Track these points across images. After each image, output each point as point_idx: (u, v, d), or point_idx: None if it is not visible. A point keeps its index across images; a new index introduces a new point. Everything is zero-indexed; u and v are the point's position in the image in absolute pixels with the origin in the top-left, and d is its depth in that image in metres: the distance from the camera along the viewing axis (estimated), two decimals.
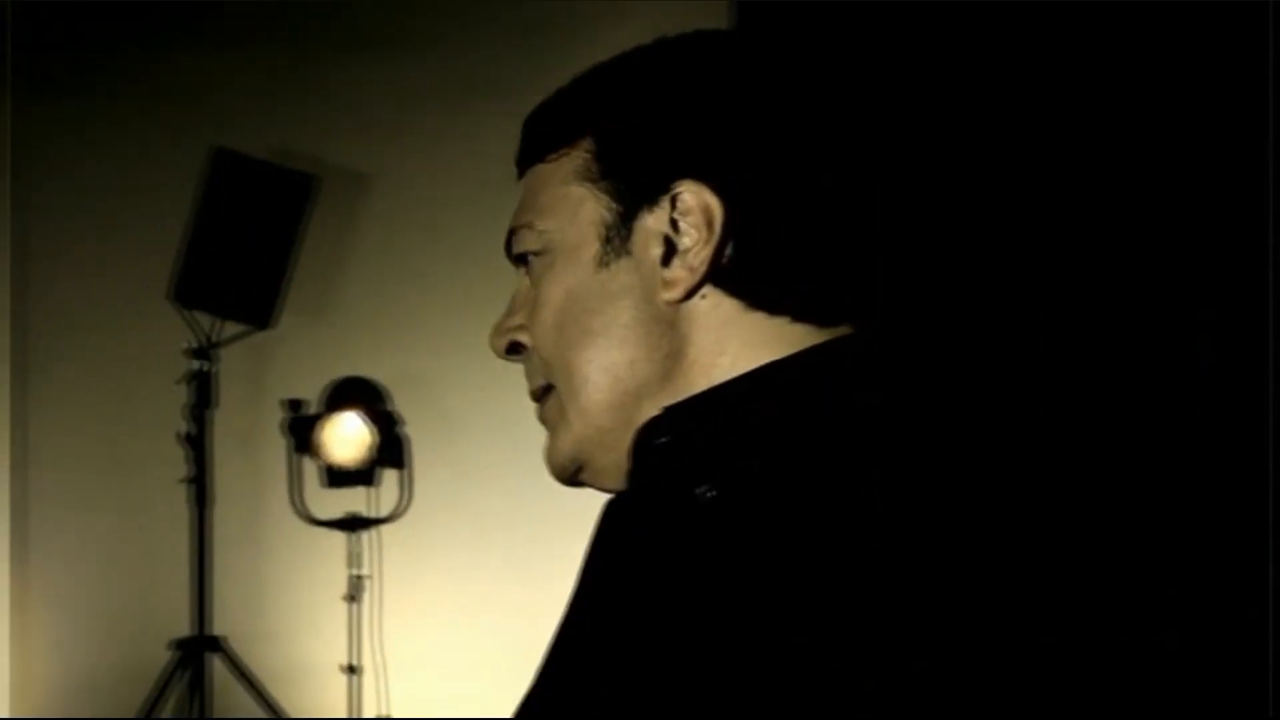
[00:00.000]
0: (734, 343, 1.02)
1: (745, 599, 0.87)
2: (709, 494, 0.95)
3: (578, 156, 1.05)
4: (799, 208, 1.00)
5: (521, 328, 1.09)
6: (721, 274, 1.01)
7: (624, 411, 1.04)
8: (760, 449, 0.96)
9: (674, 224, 1.01)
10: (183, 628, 4.23)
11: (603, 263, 1.03)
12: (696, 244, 1.00)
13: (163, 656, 4.16)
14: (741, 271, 1.01)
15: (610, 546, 1.02)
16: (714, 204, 1.00)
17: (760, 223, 1.00)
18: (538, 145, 1.09)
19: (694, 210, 1.00)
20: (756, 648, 0.86)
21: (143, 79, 4.65)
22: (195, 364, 4.27)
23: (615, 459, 1.05)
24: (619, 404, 1.04)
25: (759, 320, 1.02)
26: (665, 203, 1.01)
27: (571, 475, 1.09)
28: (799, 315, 1.02)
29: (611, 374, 1.03)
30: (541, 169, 1.08)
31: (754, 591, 0.87)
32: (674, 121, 1.02)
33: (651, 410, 1.02)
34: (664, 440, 1.02)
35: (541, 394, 1.09)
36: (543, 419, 1.10)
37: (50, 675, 4.61)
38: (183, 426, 4.27)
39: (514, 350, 1.11)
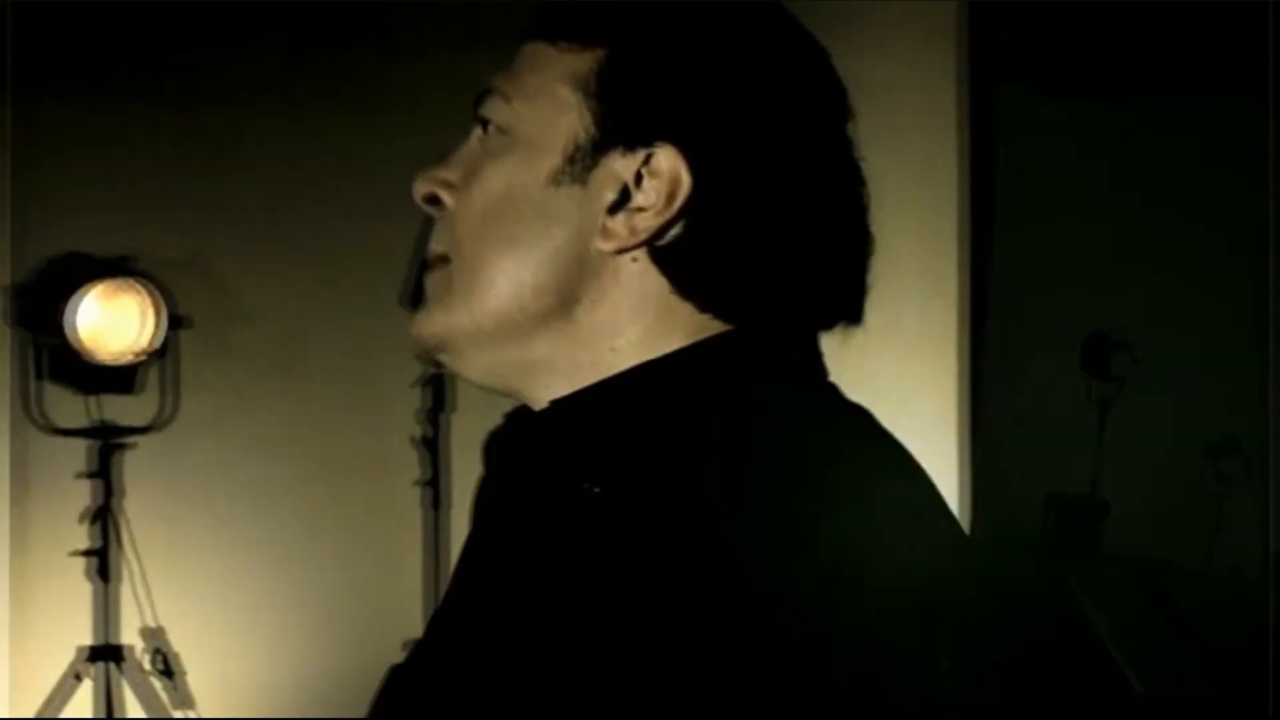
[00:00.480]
0: (647, 319, 0.99)
1: (641, 592, 0.87)
2: (594, 490, 0.94)
3: (585, 60, 1.00)
4: (763, 223, 0.97)
5: (450, 186, 1.05)
6: (660, 249, 0.98)
7: (511, 327, 1.01)
8: (646, 444, 0.95)
9: (638, 178, 0.98)
10: (417, 629, 4.26)
11: (555, 180, 1.00)
12: (649, 208, 0.97)
13: (398, 658, 4.20)
14: (680, 255, 0.98)
15: (498, 536, 1.03)
16: (684, 179, 0.97)
17: (720, 220, 0.97)
18: (555, 25, 1.03)
19: (663, 175, 0.97)
20: (659, 641, 0.85)
21: (380, 84, 4.70)
22: (431, 368, 4.30)
23: (482, 359, 1.04)
24: (509, 319, 1.00)
25: (680, 307, 0.99)
26: (640, 154, 0.98)
27: (430, 354, 1.06)
28: (723, 315, 0.99)
29: (516, 290, 1.00)
30: (546, 50, 1.03)
31: (649, 584, 0.87)
32: (689, 81, 0.98)
33: (540, 339, 1.00)
34: (552, 434, 1.01)
35: (436, 261, 1.05)
36: (427, 286, 1.06)
37: (285, 675, 4.70)
38: (418, 430, 4.31)
39: (432, 201, 1.06)
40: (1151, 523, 5.24)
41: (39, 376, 4.19)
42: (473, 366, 1.05)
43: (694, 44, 0.99)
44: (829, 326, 1.03)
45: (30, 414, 4.20)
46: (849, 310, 1.03)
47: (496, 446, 1.13)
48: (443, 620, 1.08)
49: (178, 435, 4.31)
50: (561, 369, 1.01)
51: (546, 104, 1.01)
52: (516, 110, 1.02)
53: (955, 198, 4.15)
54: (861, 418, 1.00)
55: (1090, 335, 5.10)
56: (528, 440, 1.05)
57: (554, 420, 1.01)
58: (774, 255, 0.98)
